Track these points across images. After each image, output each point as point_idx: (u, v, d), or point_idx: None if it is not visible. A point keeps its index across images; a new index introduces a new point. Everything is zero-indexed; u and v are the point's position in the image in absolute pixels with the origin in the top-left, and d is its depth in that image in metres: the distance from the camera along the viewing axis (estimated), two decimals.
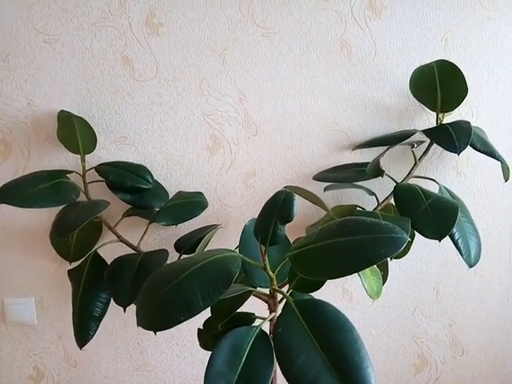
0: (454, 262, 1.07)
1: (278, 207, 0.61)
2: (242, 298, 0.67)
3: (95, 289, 0.85)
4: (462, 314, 1.10)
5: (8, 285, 1.05)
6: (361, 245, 0.51)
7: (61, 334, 1.08)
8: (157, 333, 0.55)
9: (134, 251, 0.92)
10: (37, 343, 1.09)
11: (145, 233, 0.92)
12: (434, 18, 0.95)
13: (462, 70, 0.86)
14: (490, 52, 0.97)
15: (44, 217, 1.01)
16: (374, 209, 0.92)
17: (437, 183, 0.92)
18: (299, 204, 0.62)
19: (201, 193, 0.97)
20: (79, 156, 0.93)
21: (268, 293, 0.69)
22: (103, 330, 1.07)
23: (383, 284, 0.82)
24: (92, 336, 0.84)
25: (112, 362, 1.09)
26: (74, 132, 0.90)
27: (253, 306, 0.75)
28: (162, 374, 1.11)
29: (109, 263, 0.86)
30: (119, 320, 1.07)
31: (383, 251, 0.50)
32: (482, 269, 1.07)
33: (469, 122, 0.86)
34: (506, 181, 0.94)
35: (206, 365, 0.56)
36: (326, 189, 0.95)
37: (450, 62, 0.87)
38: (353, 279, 1.04)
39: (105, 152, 0.98)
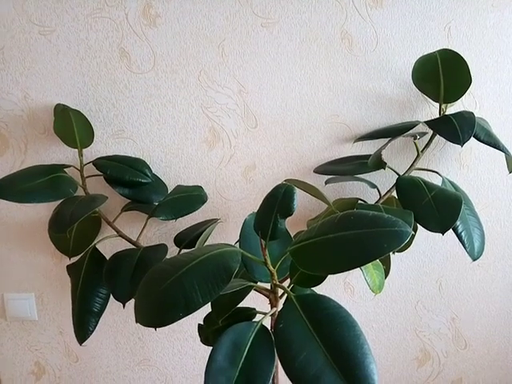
0: (457, 255, 1.06)
1: (278, 201, 0.60)
2: (243, 294, 0.66)
3: (94, 284, 0.84)
4: (465, 308, 1.09)
5: (8, 280, 1.05)
6: (363, 239, 0.50)
7: (61, 329, 1.08)
8: (157, 328, 0.54)
9: (133, 246, 0.91)
10: (38, 338, 1.08)
11: (144, 227, 0.91)
12: (437, 6, 0.93)
13: (465, 60, 0.84)
14: (494, 41, 0.95)
15: (42, 211, 1.00)
16: (376, 202, 0.91)
17: (440, 175, 0.90)
18: (300, 197, 0.61)
19: (200, 186, 0.96)
20: (76, 150, 0.92)
21: (269, 288, 0.68)
22: (104, 325, 1.07)
23: (385, 278, 0.81)
24: (92, 331, 0.83)
25: (113, 357, 1.09)
26: (71, 126, 0.89)
27: (253, 300, 0.74)
28: (164, 369, 1.11)
29: (108, 258, 0.85)
30: (120, 315, 1.07)
31: (386, 245, 0.49)
32: (485, 262, 1.06)
33: (472, 113, 0.84)
34: (510, 172, 0.93)
35: (207, 360, 0.55)
36: (327, 182, 0.94)
37: (454, 51, 0.85)
38: (354, 273, 1.03)
39: (102, 146, 0.97)
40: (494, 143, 0.85)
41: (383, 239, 0.49)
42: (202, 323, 0.77)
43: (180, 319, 0.52)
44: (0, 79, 0.93)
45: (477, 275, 1.07)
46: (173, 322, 0.52)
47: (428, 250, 1.05)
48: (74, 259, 0.92)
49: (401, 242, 0.49)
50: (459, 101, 0.91)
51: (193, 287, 0.52)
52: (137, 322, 0.54)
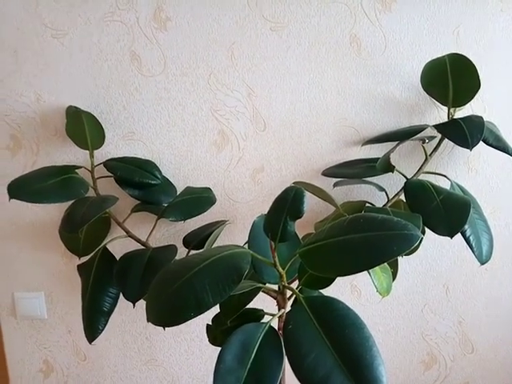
0: (465, 259, 1.06)
1: (288, 203, 0.61)
2: (251, 295, 0.66)
3: (104, 284, 0.85)
4: (472, 312, 1.09)
5: (18, 279, 1.06)
6: (373, 242, 0.51)
7: (70, 328, 1.09)
8: (166, 328, 0.55)
9: (142, 246, 0.92)
10: (47, 337, 1.10)
11: (153, 228, 0.92)
12: (446, 10, 0.93)
13: (474, 64, 0.84)
14: (503, 45, 0.95)
15: (53, 212, 1.01)
16: (384, 205, 0.91)
17: (448, 179, 0.90)
18: (308, 200, 0.62)
19: (209, 188, 0.97)
20: (88, 151, 0.93)
21: (277, 289, 0.69)
22: (112, 325, 1.07)
23: (393, 281, 0.81)
24: (101, 331, 0.84)
25: (121, 357, 1.10)
26: (83, 127, 0.90)
27: (261, 301, 0.75)
28: (170, 369, 1.11)
29: (118, 258, 0.87)
30: (128, 315, 1.08)
31: (396, 248, 0.49)
32: (493, 266, 1.06)
33: (481, 117, 0.85)
34: None
35: (214, 360, 0.56)
36: (335, 185, 0.94)
37: (463, 55, 0.85)
38: (361, 276, 1.03)
39: (113, 147, 0.98)
40: (502, 147, 0.85)
41: (393, 242, 0.50)
42: (209, 323, 0.78)
43: (191, 319, 0.52)
44: (13, 81, 0.95)
45: (484, 279, 1.07)
46: (184, 322, 0.52)
47: (435, 253, 1.05)
48: (84, 259, 0.93)
49: (410, 245, 0.50)
50: (468, 105, 0.92)
51: (204, 288, 0.53)
52: (148, 321, 0.55)
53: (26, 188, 0.81)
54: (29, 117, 0.97)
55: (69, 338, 1.09)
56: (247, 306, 0.69)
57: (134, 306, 0.78)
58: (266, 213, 0.65)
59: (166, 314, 0.53)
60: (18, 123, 0.97)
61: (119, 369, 1.11)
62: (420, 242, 0.52)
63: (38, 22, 0.92)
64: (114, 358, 1.10)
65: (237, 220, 1.02)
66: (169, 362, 1.11)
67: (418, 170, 0.92)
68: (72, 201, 0.85)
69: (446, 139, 0.88)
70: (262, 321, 0.74)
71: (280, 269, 0.62)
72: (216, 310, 0.67)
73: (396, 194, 0.91)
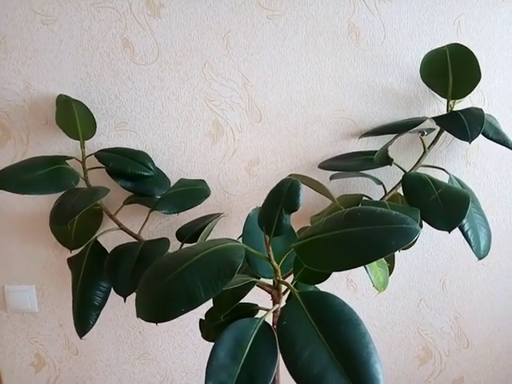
0: (462, 254, 1.05)
1: (284, 196, 0.59)
2: (245, 289, 0.65)
3: (95, 277, 0.83)
4: (468, 307, 1.08)
5: (8, 272, 1.04)
6: (370, 236, 0.49)
7: (62, 321, 1.07)
8: (158, 323, 0.54)
9: (134, 239, 0.90)
10: (38, 331, 1.08)
11: (146, 221, 0.90)
12: (447, 0, 0.91)
13: (475, 55, 0.82)
14: (504, 36, 0.93)
15: (44, 203, 0.99)
16: (381, 198, 0.90)
17: (447, 173, 0.89)
18: (303, 193, 0.60)
19: (203, 180, 0.95)
20: (78, 142, 0.91)
21: (271, 283, 0.68)
22: (104, 319, 1.06)
23: (389, 275, 0.80)
24: (92, 325, 0.82)
25: (113, 351, 1.09)
26: (73, 117, 0.88)
27: (254, 296, 0.73)
28: (164, 363, 1.10)
29: (109, 251, 0.85)
30: (121, 308, 1.06)
31: (394, 243, 0.48)
32: (490, 261, 1.05)
33: (481, 109, 0.83)
34: None
35: (207, 355, 0.55)
36: (331, 177, 0.93)
37: (464, 46, 0.83)
38: (357, 270, 1.02)
39: (105, 138, 0.96)
40: (502, 141, 0.84)
41: (391, 237, 0.48)
42: (203, 318, 0.77)
43: (182, 315, 0.51)
44: (2, 69, 0.92)
45: (481, 274, 1.06)
46: (174, 318, 0.51)
47: (432, 248, 1.04)
48: (75, 252, 0.91)
49: (409, 240, 0.48)
50: (467, 97, 0.90)
51: (195, 282, 0.51)
52: (138, 316, 0.53)
53: (13, 178, 0.78)
54: (18, 105, 0.94)
55: (60, 331, 1.08)
56: (241, 301, 0.67)
57: (124, 300, 0.76)
58: (261, 206, 0.63)
59: (156, 310, 0.52)
60: (6, 112, 0.95)
61: (112, 363, 1.10)
62: (418, 236, 0.51)
63: (27, 8, 0.89)
64: (107, 352, 1.09)
65: (231, 213, 1.00)
66: (162, 357, 1.10)
67: (416, 163, 0.91)
68: (62, 192, 0.83)
69: (445, 132, 0.87)
70: (256, 316, 0.73)
71: (275, 263, 0.61)
72: (209, 304, 0.66)
73: (394, 188, 0.90)
